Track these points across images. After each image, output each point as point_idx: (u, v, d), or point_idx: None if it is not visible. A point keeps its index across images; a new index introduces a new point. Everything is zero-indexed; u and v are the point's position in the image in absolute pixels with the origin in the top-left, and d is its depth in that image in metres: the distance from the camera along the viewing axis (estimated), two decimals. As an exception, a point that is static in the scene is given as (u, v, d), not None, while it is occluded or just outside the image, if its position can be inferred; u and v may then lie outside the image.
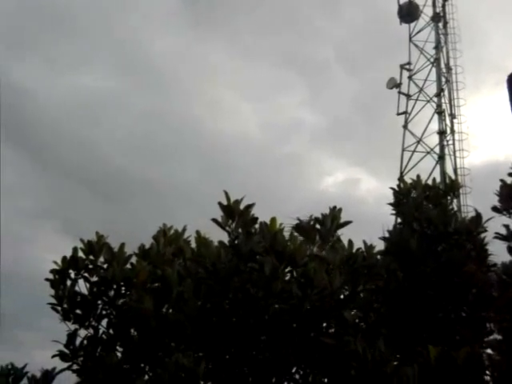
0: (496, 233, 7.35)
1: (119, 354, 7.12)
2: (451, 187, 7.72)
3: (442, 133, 26.75)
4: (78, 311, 7.35)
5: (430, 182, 7.93)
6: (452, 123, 26.91)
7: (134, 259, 7.46)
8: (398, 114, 28.16)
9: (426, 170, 24.57)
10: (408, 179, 7.63)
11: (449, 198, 7.78)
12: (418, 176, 7.61)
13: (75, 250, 7.44)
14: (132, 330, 7.15)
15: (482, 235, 7.39)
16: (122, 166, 35.52)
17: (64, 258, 7.41)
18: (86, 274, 7.41)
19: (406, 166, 26.89)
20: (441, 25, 28.81)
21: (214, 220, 6.56)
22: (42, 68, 39.89)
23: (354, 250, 6.94)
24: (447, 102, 27.36)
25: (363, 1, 39.60)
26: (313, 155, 42.23)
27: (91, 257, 7.43)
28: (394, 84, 28.41)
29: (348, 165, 44.69)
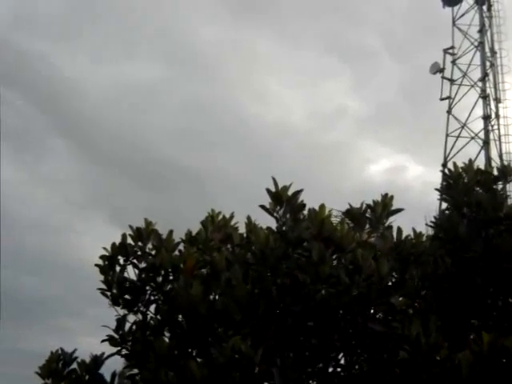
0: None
1: (167, 340, 7.19)
2: (503, 172, 7.59)
3: (486, 118, 26.41)
4: (127, 297, 7.43)
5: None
6: (497, 108, 26.56)
7: (181, 246, 7.53)
8: (442, 99, 27.86)
9: (470, 155, 24.18)
10: (460, 164, 7.51)
11: (500, 183, 7.67)
12: (470, 160, 7.51)
13: (124, 236, 7.52)
14: (180, 316, 7.21)
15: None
16: (168, 154, 35.80)
17: (113, 244, 7.50)
18: (134, 261, 7.49)
19: (449, 152, 26.62)
20: (485, 7, 28.38)
21: (262, 206, 6.58)
22: (87, 58, 40.36)
23: (402, 238, 6.89)
24: (492, 86, 27.01)
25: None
26: (358, 143, 42.08)
27: (140, 243, 7.50)
28: (437, 69, 28.08)
29: (393, 152, 44.43)
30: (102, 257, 7.51)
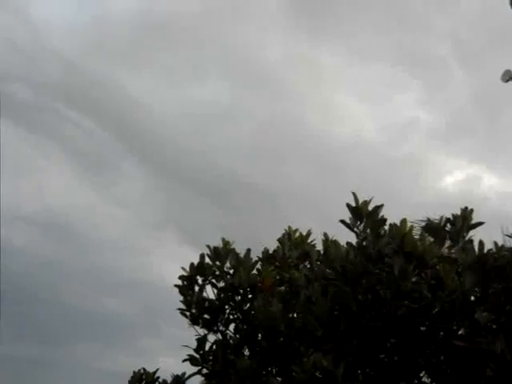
0: None
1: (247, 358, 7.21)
2: None
3: (560, 129, 25.75)
4: (206, 316, 7.50)
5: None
6: None
7: (259, 265, 7.56)
8: (515, 110, 27.31)
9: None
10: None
11: None
12: (555, 169, 7.33)
13: (202, 256, 7.60)
14: (259, 335, 7.22)
15: None
16: (240, 173, 35.94)
17: (192, 264, 7.59)
18: (213, 280, 7.56)
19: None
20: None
21: (342, 221, 6.55)
22: (157, 82, 41.02)
23: (484, 251, 6.75)
24: None
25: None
26: (430, 155, 41.34)
27: (218, 263, 7.57)
28: (509, 76, 27.56)
29: (468, 163, 43.47)
30: (180, 277, 7.60)
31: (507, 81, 27.25)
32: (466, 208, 6.84)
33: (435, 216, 6.91)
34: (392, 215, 6.70)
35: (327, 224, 6.91)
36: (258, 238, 8.50)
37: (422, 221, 6.84)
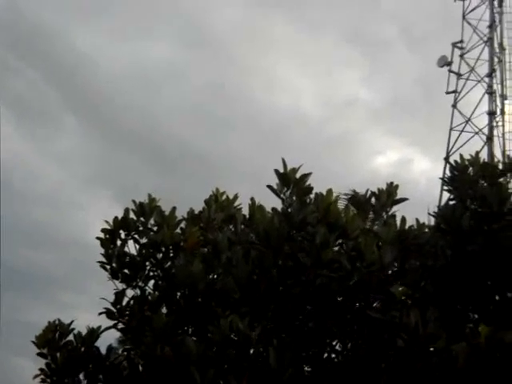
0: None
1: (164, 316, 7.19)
2: (509, 167, 7.57)
3: (491, 114, 26.33)
4: (126, 271, 7.45)
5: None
6: (503, 104, 26.47)
7: (184, 224, 7.52)
8: (448, 93, 27.74)
9: (473, 151, 24.19)
10: (467, 156, 7.48)
11: (506, 177, 7.64)
12: (477, 153, 7.48)
13: (127, 211, 7.52)
14: (178, 294, 7.21)
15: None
16: (178, 136, 35.81)
17: (115, 218, 7.50)
18: (136, 236, 7.50)
19: (453, 147, 26.58)
20: (496, 3, 28.22)
21: (269, 186, 6.56)
22: (104, 36, 40.25)
23: (406, 228, 6.88)
24: (499, 82, 26.90)
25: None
26: (367, 134, 42.07)
27: (142, 219, 7.51)
28: (444, 62, 27.95)
29: (402, 144, 44.41)
30: (103, 230, 7.52)
31: (442, 66, 27.68)
32: (392, 183, 6.95)
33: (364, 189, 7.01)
34: (324, 188, 6.76)
35: (260, 191, 6.91)
36: (190, 199, 8.47)
37: (347, 194, 6.93)
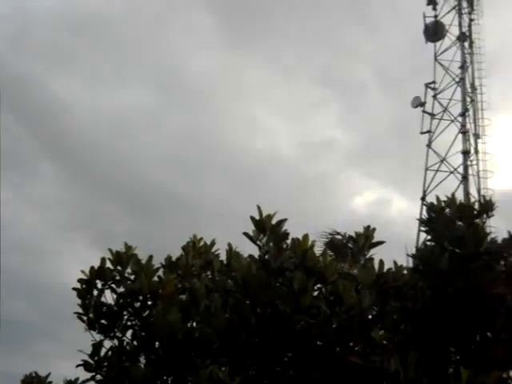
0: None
1: (143, 366, 7.09)
2: (485, 207, 7.62)
3: (465, 153, 26.65)
4: (104, 321, 7.34)
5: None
6: (476, 143, 26.83)
7: (161, 272, 7.46)
8: (422, 133, 28.13)
9: (449, 190, 24.50)
10: (442, 198, 7.52)
11: (482, 218, 7.69)
12: (453, 194, 7.54)
13: (103, 260, 7.44)
14: (157, 343, 7.12)
15: (514, 257, 7.29)
16: (155, 181, 35.86)
17: (92, 268, 7.42)
18: (113, 285, 7.41)
19: (429, 186, 26.80)
20: (467, 44, 28.78)
21: (246, 234, 6.54)
22: (80, 83, 40.49)
23: (384, 270, 6.88)
24: (472, 122, 27.30)
25: (403, 21, 39.68)
26: (344, 175, 42.46)
27: (119, 267, 7.43)
28: (418, 103, 28.36)
29: (379, 185, 44.88)
30: (79, 280, 7.43)
31: (416, 107, 28.20)
32: (369, 227, 6.97)
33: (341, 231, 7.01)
34: (302, 231, 6.76)
35: (239, 236, 6.90)
36: (169, 246, 8.44)
37: (327, 234, 6.93)
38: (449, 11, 29.75)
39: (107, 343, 7.33)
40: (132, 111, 39.39)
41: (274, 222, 6.53)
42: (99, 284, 7.44)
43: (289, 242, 6.57)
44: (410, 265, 7.66)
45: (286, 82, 45.77)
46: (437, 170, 26.95)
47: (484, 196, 8.82)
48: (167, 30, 44.20)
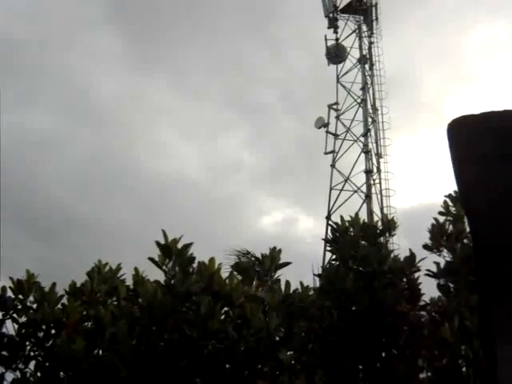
0: (427, 270, 7.48)
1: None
2: (387, 226, 7.81)
3: (368, 172, 27.30)
4: (5, 353, 7.09)
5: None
6: (378, 163, 27.53)
7: (66, 299, 7.28)
8: (326, 153, 28.66)
9: (353, 208, 25.03)
10: (346, 217, 7.67)
11: (385, 237, 7.87)
12: (357, 214, 7.69)
13: (3, 289, 7.20)
14: (61, 373, 6.93)
15: (416, 274, 7.48)
16: (62, 206, 35.08)
17: (-9, 298, 7.17)
18: (14, 315, 7.17)
19: (333, 205, 27.28)
20: (367, 66, 29.58)
21: (151, 259, 6.47)
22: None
23: (291, 291, 6.93)
24: (373, 141, 28.01)
25: (306, 44, 40.52)
26: (252, 196, 42.86)
27: (20, 296, 7.20)
28: (321, 124, 28.92)
29: (286, 204, 45.48)
30: (-22, 311, 7.16)
31: (320, 127, 28.75)
32: (275, 248, 7.02)
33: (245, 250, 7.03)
34: (210, 254, 6.74)
35: (146, 260, 6.80)
36: (73, 272, 8.25)
37: (235, 252, 6.93)
38: (349, 34, 30.61)
39: (9, 376, 7.09)
40: (39, 136, 38.63)
41: (179, 246, 6.48)
42: (0, 314, 7.20)
43: (195, 265, 6.54)
44: (317, 284, 7.76)
45: (194, 105, 45.96)
46: (341, 190, 27.51)
47: (386, 215, 9.04)
48: (73, 54, 43.64)
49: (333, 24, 30.77)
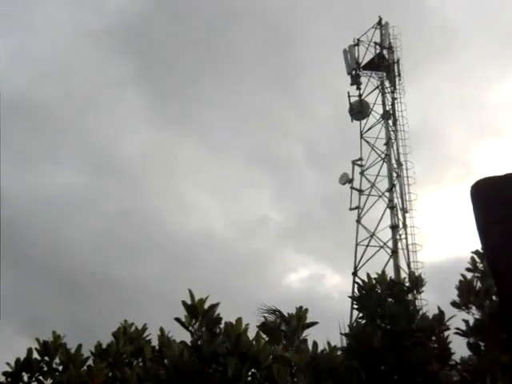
0: (457, 328, 7.36)
1: None
2: (415, 283, 7.73)
3: (394, 227, 27.12)
4: (31, 416, 7.06)
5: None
6: (404, 218, 27.36)
7: (91, 361, 7.24)
8: (351, 209, 28.56)
9: (379, 264, 24.83)
10: (370, 272, 7.61)
11: (413, 294, 7.79)
12: (383, 272, 7.62)
13: (30, 351, 7.19)
14: None
15: (445, 333, 7.36)
16: (88, 262, 35.20)
17: (17, 360, 7.15)
18: (40, 377, 7.15)
19: (360, 261, 27.08)
20: (390, 122, 29.66)
21: (177, 319, 6.43)
22: (12, 164, 39.94)
23: (318, 351, 6.83)
24: (399, 196, 27.90)
25: (331, 100, 40.86)
26: (278, 251, 42.75)
27: (46, 358, 7.19)
28: (346, 179, 28.92)
29: (312, 260, 45.31)
30: (4, 373, 7.16)
31: (344, 183, 28.68)
32: (301, 307, 6.95)
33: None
34: (236, 311, 6.70)
35: (171, 319, 6.78)
36: (99, 329, 8.23)
37: (263, 310, 6.86)
38: (372, 90, 30.80)
39: None
40: (64, 192, 39.05)
41: (206, 306, 6.44)
42: (25, 377, 7.18)
43: (222, 326, 6.49)
44: (344, 343, 7.66)
45: (219, 161, 46.32)
46: (367, 245, 27.32)
47: (414, 272, 8.95)
48: (98, 111, 44.36)
49: (355, 81, 31.03)
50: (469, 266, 7.62)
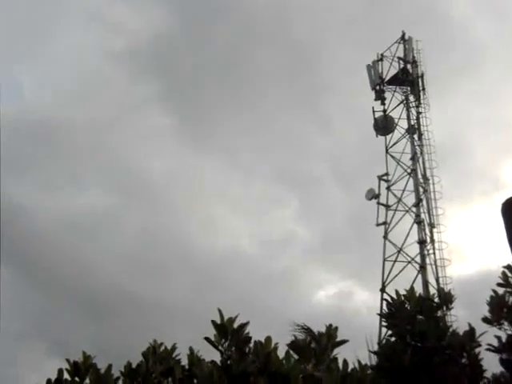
0: (488, 344, 7.28)
1: None
2: (445, 300, 7.67)
3: (422, 242, 26.97)
4: None
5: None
6: (431, 232, 27.20)
7: (121, 381, 7.25)
8: (378, 225, 28.44)
9: (407, 279, 24.68)
10: (399, 288, 7.57)
11: (442, 311, 7.72)
12: (412, 288, 7.57)
13: (60, 371, 7.21)
14: None
15: (476, 350, 7.27)
16: (115, 283, 35.45)
17: (48, 380, 7.17)
18: (71, 398, 7.17)
19: (387, 276, 26.93)
20: (416, 136, 29.57)
21: (207, 339, 6.43)
22: (39, 186, 40.48)
23: (348, 370, 6.79)
24: (426, 211, 27.76)
25: (355, 115, 40.88)
26: (305, 269, 42.70)
27: (77, 379, 7.20)
28: (372, 195, 28.84)
29: (340, 277, 45.18)
30: (36, 394, 7.18)
31: (371, 199, 28.63)
32: (331, 326, 6.92)
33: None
34: (265, 329, 6.69)
35: (200, 338, 6.78)
36: (133, 350, 8.26)
37: (296, 327, 6.84)
38: (397, 105, 30.77)
39: None
40: (93, 213, 39.43)
41: (235, 325, 6.44)
42: (57, 397, 7.20)
43: (251, 345, 6.48)
44: (373, 361, 7.60)
45: (245, 181, 46.54)
46: (395, 261, 27.17)
47: (443, 288, 8.88)
48: (124, 131, 44.83)
49: (380, 96, 31.01)
50: (500, 280, 7.55)
